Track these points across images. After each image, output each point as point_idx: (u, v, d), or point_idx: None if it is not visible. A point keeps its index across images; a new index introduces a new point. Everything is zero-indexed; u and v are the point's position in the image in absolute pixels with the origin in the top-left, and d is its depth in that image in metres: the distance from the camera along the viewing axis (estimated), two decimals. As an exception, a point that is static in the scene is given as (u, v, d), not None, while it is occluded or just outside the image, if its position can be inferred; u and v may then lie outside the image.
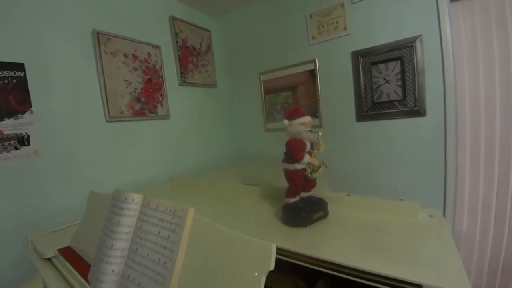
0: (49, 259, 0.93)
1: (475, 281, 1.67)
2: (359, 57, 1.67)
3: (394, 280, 0.52)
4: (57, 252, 0.90)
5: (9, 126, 1.07)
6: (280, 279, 0.77)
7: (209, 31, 2.10)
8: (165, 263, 0.55)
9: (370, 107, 1.70)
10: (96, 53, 1.33)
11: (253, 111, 2.16)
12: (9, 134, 1.07)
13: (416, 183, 1.62)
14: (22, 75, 1.11)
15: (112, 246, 0.64)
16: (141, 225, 0.63)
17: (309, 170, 0.78)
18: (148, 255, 0.58)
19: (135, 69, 1.49)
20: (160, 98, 1.65)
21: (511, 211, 1.52)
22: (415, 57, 1.51)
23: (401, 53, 1.55)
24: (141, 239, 0.61)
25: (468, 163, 1.61)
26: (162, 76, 1.66)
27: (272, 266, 0.41)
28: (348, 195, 0.92)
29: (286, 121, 0.83)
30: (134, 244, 0.62)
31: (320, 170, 0.78)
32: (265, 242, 0.43)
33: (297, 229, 0.77)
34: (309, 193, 0.85)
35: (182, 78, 1.80)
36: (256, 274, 0.42)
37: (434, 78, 1.49)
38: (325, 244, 0.70)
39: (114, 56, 1.38)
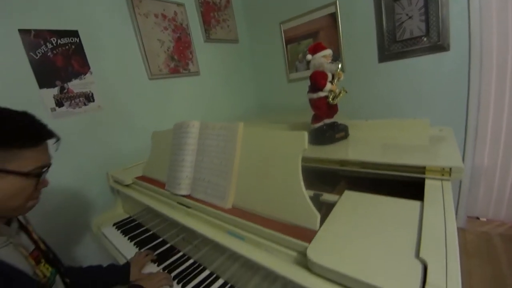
0: (127, 186, 1.21)
1: (494, 213, 1.77)
2: (381, -6, 1.64)
3: (403, 166, 0.68)
4: (134, 179, 1.17)
5: (77, 86, 1.30)
6: (308, 187, 0.97)
7: (226, -17, 2.10)
8: (226, 163, 0.75)
9: (393, 46, 1.71)
10: (131, 15, 1.47)
11: (275, 62, 2.24)
12: (78, 93, 1.31)
13: (438, 121, 1.67)
14: (77, 40, 1.30)
15: (183, 159, 0.86)
16: (203, 142, 0.83)
17: (331, 96, 0.92)
18: (212, 160, 0.79)
19: (165, 28, 1.62)
20: (190, 56, 1.79)
21: None
22: (440, -12, 1.46)
23: (425, -15, 1.50)
24: (205, 151, 0.82)
25: (492, 96, 1.60)
26: (189, 34, 1.78)
27: (306, 146, 0.58)
28: (366, 120, 1.05)
29: (309, 56, 0.95)
30: (200, 155, 0.83)
31: (340, 95, 0.91)
32: (298, 131, 0.60)
33: (322, 146, 0.94)
34: (332, 119, 1.00)
35: (207, 35, 1.90)
36: (292, 161, 0.60)
37: (458, 11, 1.45)
38: (347, 151, 0.87)
39: (146, 17, 1.52)
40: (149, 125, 1.58)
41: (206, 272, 0.78)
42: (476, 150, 1.69)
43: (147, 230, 1.11)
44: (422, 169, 0.65)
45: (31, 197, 0.56)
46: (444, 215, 0.49)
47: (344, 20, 1.80)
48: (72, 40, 1.27)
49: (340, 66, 0.91)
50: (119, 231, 1.16)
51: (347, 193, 0.66)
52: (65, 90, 1.26)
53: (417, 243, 0.43)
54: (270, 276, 0.56)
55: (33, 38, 1.15)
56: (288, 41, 2.08)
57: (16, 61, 1.12)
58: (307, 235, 0.52)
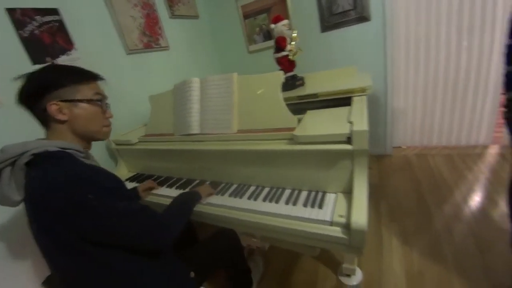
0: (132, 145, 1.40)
1: (410, 141, 2.43)
2: (318, -26, 2.01)
3: (340, 91, 1.09)
4: (141, 137, 1.38)
5: (65, 61, 1.40)
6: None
7: (181, -39, 2.23)
8: (228, 103, 1.06)
9: (331, 19, 2.13)
10: (103, -8, 1.58)
11: (235, 36, 2.50)
12: (66, 68, 1.41)
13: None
14: (59, 18, 1.38)
15: (191, 107, 1.14)
16: (205, 92, 1.12)
17: (290, 54, 1.28)
18: (216, 103, 1.09)
19: (135, 5, 1.75)
20: (159, 31, 1.94)
21: (432, 91, 2.17)
22: (360, -30, 1.89)
23: (350, -33, 1.91)
24: (208, 98, 1.11)
25: (402, 55, 2.15)
26: (156, 10, 1.92)
27: (282, 79, 0.94)
28: (316, 72, 1.46)
29: (272, 25, 1.28)
30: (205, 102, 1.12)
31: (297, 53, 1.28)
32: (276, 72, 0.95)
33: (287, 91, 1.31)
34: (293, 73, 1.37)
35: (171, 11, 2.06)
36: (274, 89, 0.95)
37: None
38: (307, 89, 1.25)
39: (117, -6, 1.63)
40: (132, 97, 1.74)
41: (222, 185, 1.11)
42: (394, 97, 2.27)
43: (160, 177, 1.37)
44: (352, 90, 1.07)
45: (103, 123, 0.78)
46: (362, 108, 0.91)
47: (291, -4, 2.15)
48: (54, 18, 1.36)
49: (296, 32, 1.27)
50: (134, 182, 1.38)
51: (309, 111, 1.05)
52: (55, 66, 1.36)
53: (348, 118, 0.84)
54: (269, 163, 0.93)
55: (20, 17, 1.22)
56: (246, 16, 2.36)
57: (8, 39, 1.20)
58: (291, 129, 0.89)
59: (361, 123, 0.76)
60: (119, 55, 1.69)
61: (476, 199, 1.63)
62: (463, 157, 2.10)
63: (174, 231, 0.73)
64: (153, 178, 1.36)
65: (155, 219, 0.70)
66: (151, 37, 1.87)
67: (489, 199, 1.60)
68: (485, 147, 2.15)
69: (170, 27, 2.07)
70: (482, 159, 2.03)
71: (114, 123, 0.82)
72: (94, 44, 1.54)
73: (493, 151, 2.10)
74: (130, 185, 1.36)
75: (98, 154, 1.56)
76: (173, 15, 2.09)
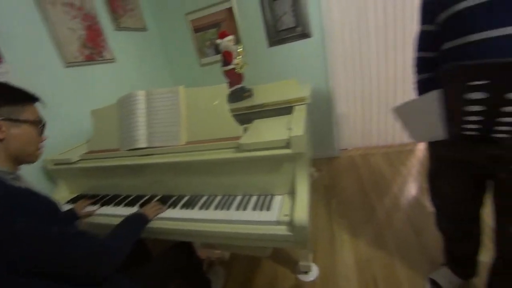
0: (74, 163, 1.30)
1: (354, 144, 2.68)
2: (263, -6, 2.16)
3: (283, 100, 1.18)
4: (82, 155, 1.29)
5: (-11, 76, 1.26)
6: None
7: (126, -27, 2.18)
8: (175, 115, 1.07)
9: (276, 35, 2.29)
10: (39, 4, 1.46)
11: (186, 49, 2.51)
12: (-10, 84, 1.27)
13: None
14: (-20, 30, 1.25)
15: (137, 121, 1.12)
16: (151, 105, 1.12)
17: (237, 68, 1.35)
18: (162, 117, 1.09)
19: (74, 17, 1.65)
20: (103, 43, 1.86)
21: (368, 98, 2.44)
22: (301, -8, 2.09)
23: (291, -11, 2.10)
24: (155, 111, 1.11)
25: (341, 68, 2.40)
26: (98, 22, 1.84)
27: (227, 91, 0.99)
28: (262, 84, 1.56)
29: (219, 40, 1.34)
30: (151, 115, 1.11)
31: (244, 66, 1.35)
32: (221, 85, 1.00)
33: (236, 103, 1.38)
34: (241, 85, 1.44)
35: (116, 23, 1.99)
36: (220, 101, 1.00)
37: (314, 9, 2.13)
38: (255, 100, 1.33)
39: (54, 5, 1.53)
40: (71, 112, 1.62)
41: (173, 198, 1.10)
42: (337, 104, 2.50)
43: (107, 195, 1.29)
44: (292, 100, 1.17)
45: (38, 146, 0.75)
46: (300, 116, 1.01)
47: (239, 14, 2.26)
48: (-24, 29, 1.22)
49: (242, 46, 1.35)
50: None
51: (256, 121, 1.12)
52: (-25, 82, 1.21)
53: (288, 125, 0.92)
54: (218, 172, 0.96)
55: None
56: (196, 30, 2.40)
57: None
58: (237, 138, 0.94)
59: (298, 129, 0.85)
60: (55, 68, 1.56)
61: (410, 190, 1.87)
62: (398, 154, 2.39)
63: (115, 257, 0.70)
64: (99, 197, 1.28)
65: (94, 244, 0.66)
66: (93, 49, 1.78)
67: (420, 188, 1.85)
68: (414, 144, 2.48)
69: (116, 39, 2.00)
70: (413, 154, 2.34)
71: (51, 141, 0.76)
72: (26, 56, 1.41)
73: (421, 147, 2.43)
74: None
75: (33, 176, 1.41)
76: (119, 27, 2.03)
